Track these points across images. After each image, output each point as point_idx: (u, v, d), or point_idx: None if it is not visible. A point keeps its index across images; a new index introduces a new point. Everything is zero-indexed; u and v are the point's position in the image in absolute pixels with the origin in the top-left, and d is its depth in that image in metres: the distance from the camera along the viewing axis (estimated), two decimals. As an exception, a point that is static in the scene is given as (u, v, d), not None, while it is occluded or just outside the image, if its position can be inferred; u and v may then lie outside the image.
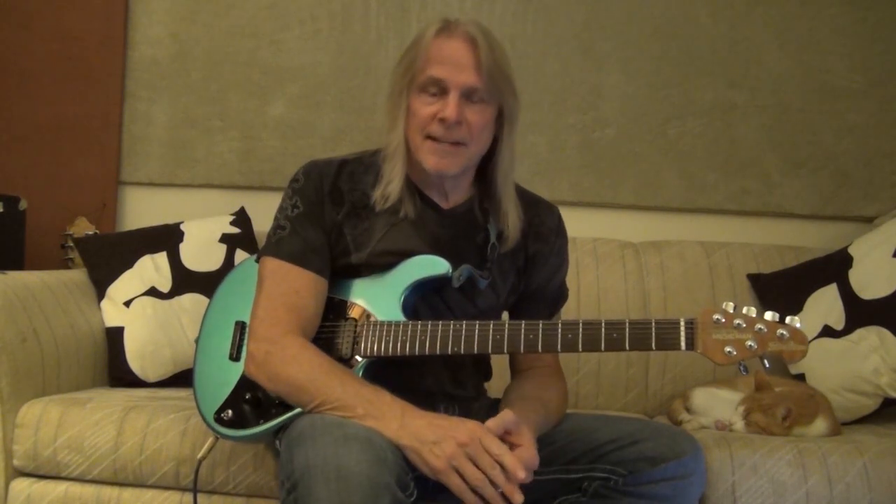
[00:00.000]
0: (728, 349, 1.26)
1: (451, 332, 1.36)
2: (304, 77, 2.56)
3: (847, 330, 1.98)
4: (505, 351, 1.36)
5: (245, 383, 1.45)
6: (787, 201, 2.46)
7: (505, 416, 1.25)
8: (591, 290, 2.20)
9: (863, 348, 1.93)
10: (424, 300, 1.46)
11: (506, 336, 1.34)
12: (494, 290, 1.51)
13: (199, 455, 1.52)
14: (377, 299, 1.43)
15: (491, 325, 1.35)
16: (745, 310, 1.28)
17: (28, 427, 1.73)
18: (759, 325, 1.26)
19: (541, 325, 1.34)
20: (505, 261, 1.52)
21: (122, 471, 1.68)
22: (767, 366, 1.26)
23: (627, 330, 1.29)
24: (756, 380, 1.84)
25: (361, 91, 2.54)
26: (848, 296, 2.02)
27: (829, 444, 1.64)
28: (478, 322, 1.36)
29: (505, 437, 1.24)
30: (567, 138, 2.51)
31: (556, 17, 2.51)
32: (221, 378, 1.47)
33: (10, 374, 1.77)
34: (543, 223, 1.56)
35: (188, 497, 1.66)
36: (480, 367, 1.59)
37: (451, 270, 1.42)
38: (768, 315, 1.27)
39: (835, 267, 2.09)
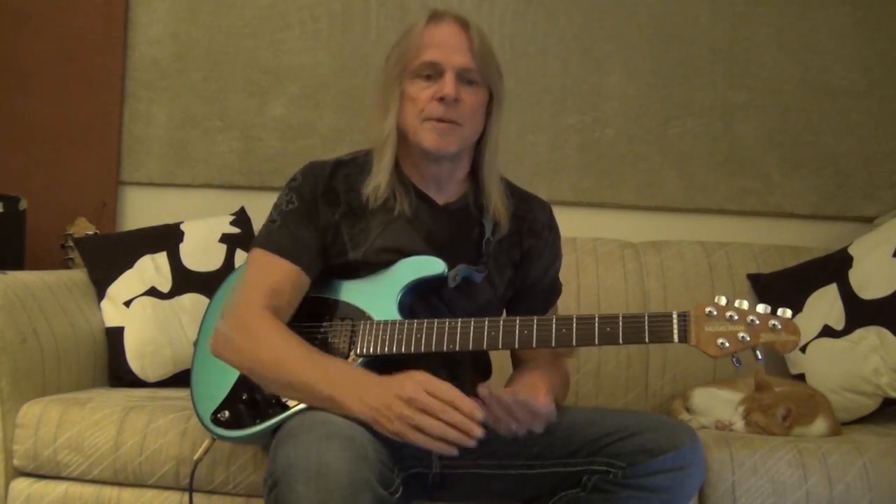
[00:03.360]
0: (721, 341, 1.26)
1: (446, 329, 1.36)
2: (304, 77, 2.56)
3: (847, 330, 1.98)
4: (500, 347, 1.36)
5: (242, 384, 1.45)
6: (787, 201, 2.46)
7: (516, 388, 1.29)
8: (591, 290, 2.20)
9: (863, 348, 1.93)
10: (422, 298, 1.46)
11: (500, 332, 1.34)
12: (492, 285, 1.52)
13: (196, 456, 1.53)
14: (374, 299, 1.44)
15: (486, 322, 1.35)
16: (737, 303, 1.28)
17: (28, 427, 1.73)
18: (751, 317, 1.26)
19: (535, 321, 1.34)
20: (501, 255, 1.53)
21: (122, 471, 1.68)
22: (760, 357, 1.26)
23: (621, 324, 1.29)
24: (756, 380, 1.84)
25: (361, 91, 2.54)
26: (848, 296, 2.02)
27: (829, 444, 1.64)
28: (473, 319, 1.36)
29: (520, 400, 1.26)
30: (567, 138, 2.51)
31: (556, 17, 2.51)
32: (218, 379, 1.48)
33: (10, 374, 1.77)
34: (537, 219, 1.58)
35: (188, 497, 1.66)
36: (479, 364, 1.60)
37: (447, 270, 1.43)
38: (760, 307, 1.27)
39: (835, 267, 2.09)
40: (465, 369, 1.54)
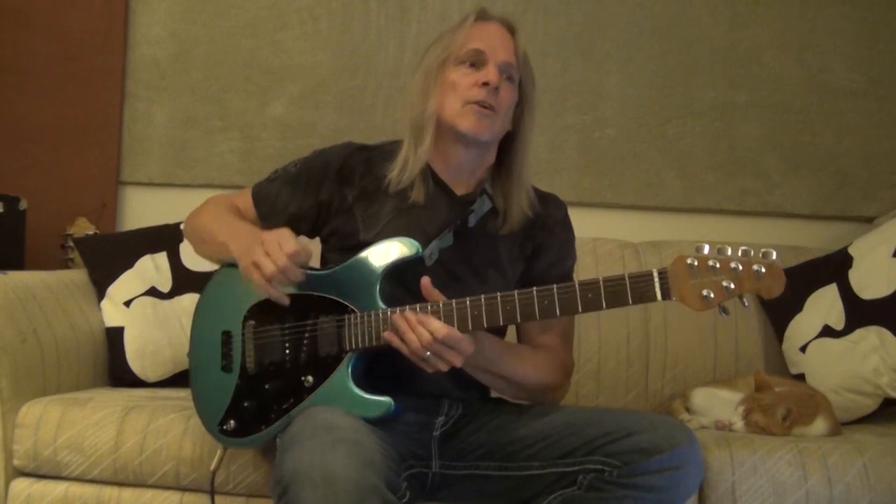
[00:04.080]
0: (705, 292, 1.22)
1: (428, 312, 1.35)
2: (304, 77, 2.56)
3: (847, 330, 1.98)
4: (485, 326, 1.34)
5: (242, 392, 1.47)
6: (787, 201, 2.46)
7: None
8: (591, 290, 2.20)
9: (863, 348, 1.93)
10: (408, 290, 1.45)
11: (483, 310, 1.33)
12: (503, 276, 1.52)
13: (212, 467, 1.56)
14: (353, 291, 1.43)
15: (468, 301, 1.34)
16: (718, 249, 1.23)
17: (28, 427, 1.73)
18: (734, 264, 1.21)
19: (516, 295, 1.32)
20: (514, 248, 1.54)
21: (122, 471, 1.68)
22: (746, 304, 1.22)
23: (602, 288, 1.27)
24: (756, 380, 1.84)
25: (361, 91, 2.54)
26: (848, 296, 2.02)
27: (829, 444, 1.64)
28: (455, 300, 1.35)
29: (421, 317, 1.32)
30: (567, 138, 2.51)
31: (556, 17, 2.51)
32: (218, 390, 1.50)
33: (10, 374, 1.77)
34: (550, 215, 1.60)
35: (188, 497, 1.66)
36: None
37: (421, 249, 1.42)
38: (742, 250, 1.22)
39: (835, 267, 2.09)
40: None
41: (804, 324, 2.07)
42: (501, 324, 1.35)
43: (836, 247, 2.19)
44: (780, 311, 2.15)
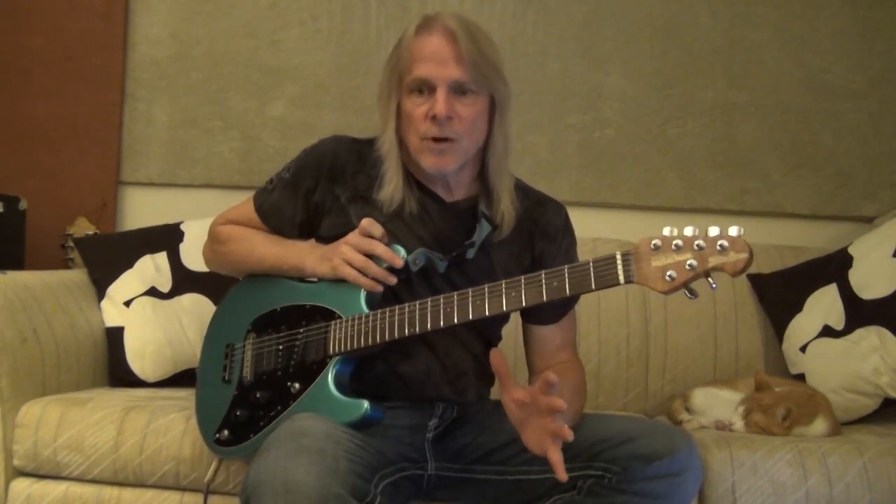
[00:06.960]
0: (669, 274, 1.17)
1: (406, 313, 1.36)
2: (304, 77, 2.56)
3: (847, 330, 1.98)
4: (456, 321, 1.33)
5: (237, 402, 1.48)
6: (787, 201, 2.46)
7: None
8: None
9: (863, 348, 1.93)
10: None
11: (455, 307, 1.33)
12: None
13: (206, 478, 1.57)
14: (341, 298, 1.44)
15: (441, 300, 1.34)
16: (686, 230, 1.19)
17: (28, 427, 1.73)
18: (698, 242, 1.17)
19: (486, 289, 1.32)
20: (511, 260, 1.51)
21: (122, 471, 1.68)
22: (714, 285, 1.18)
23: (567, 275, 1.26)
24: (756, 380, 1.85)
25: (361, 91, 2.54)
26: (848, 296, 2.02)
27: (829, 444, 1.64)
28: (430, 299, 1.35)
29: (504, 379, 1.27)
30: (567, 138, 2.51)
31: (556, 17, 2.51)
32: (217, 401, 1.51)
33: (10, 374, 1.78)
34: (550, 222, 1.55)
35: (188, 497, 1.66)
36: (483, 374, 1.56)
37: (406, 255, 1.41)
38: (712, 230, 1.17)
39: (835, 267, 2.09)
40: (470, 381, 1.52)
41: (804, 324, 2.07)
42: (472, 318, 1.33)
43: (836, 247, 2.19)
44: (780, 311, 2.15)
